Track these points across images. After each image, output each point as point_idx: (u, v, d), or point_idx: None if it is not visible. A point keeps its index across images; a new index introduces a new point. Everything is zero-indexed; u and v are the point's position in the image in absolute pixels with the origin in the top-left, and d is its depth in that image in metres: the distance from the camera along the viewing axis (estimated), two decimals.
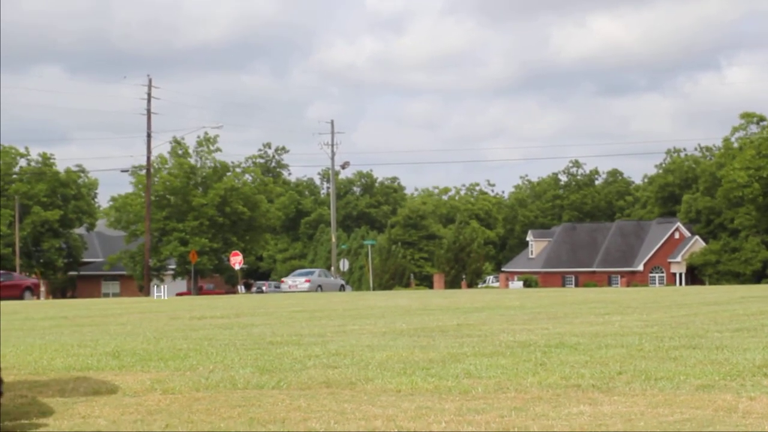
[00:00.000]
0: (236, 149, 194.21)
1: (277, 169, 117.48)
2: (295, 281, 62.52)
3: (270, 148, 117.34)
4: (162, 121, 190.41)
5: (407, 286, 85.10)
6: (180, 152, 79.73)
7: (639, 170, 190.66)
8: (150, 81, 66.85)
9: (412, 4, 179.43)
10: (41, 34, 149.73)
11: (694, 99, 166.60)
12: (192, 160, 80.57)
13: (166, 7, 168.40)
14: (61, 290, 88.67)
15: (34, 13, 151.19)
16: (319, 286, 62.20)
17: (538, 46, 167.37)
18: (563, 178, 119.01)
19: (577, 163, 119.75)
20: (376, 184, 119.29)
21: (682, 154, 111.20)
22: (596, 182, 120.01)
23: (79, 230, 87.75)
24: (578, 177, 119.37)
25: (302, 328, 15.65)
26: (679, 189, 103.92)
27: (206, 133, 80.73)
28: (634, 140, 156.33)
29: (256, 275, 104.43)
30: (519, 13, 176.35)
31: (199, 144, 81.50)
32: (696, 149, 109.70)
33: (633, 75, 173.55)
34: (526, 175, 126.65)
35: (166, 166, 78.99)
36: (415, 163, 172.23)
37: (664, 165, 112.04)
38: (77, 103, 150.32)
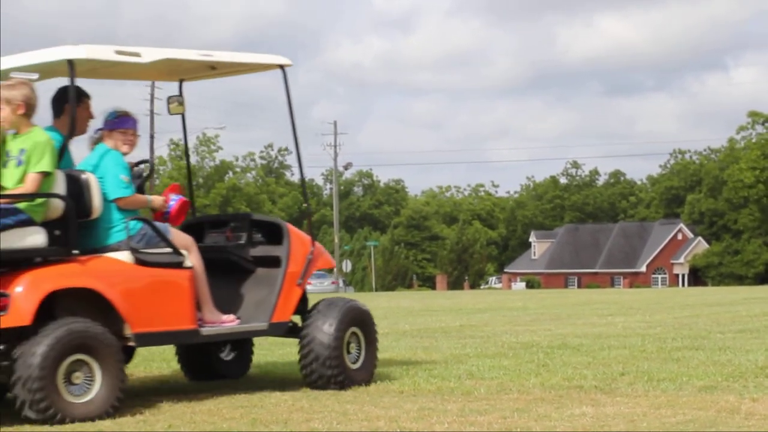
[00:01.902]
0: (240, 150, 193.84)
1: (280, 170, 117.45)
2: (323, 282, 63.81)
3: (272, 148, 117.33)
4: (167, 121, 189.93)
5: (410, 287, 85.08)
6: (177, 154, 79.83)
7: (646, 171, 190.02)
8: (153, 82, 66.88)
9: (419, 3, 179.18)
10: (47, 34, 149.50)
11: (701, 99, 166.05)
12: (193, 160, 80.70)
13: (173, 6, 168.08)
14: None
15: (40, 13, 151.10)
16: (338, 286, 64.22)
17: (545, 46, 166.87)
18: (563, 180, 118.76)
19: (575, 164, 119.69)
20: (381, 185, 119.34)
21: (687, 156, 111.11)
22: (598, 183, 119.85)
23: None
24: (577, 178, 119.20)
25: None
26: (683, 191, 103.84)
27: (204, 134, 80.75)
28: (640, 141, 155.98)
29: None
30: (526, 13, 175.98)
31: (200, 143, 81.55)
32: (705, 150, 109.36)
33: (640, 75, 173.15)
34: (533, 176, 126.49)
35: (165, 168, 78.99)
36: (421, 163, 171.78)
37: (668, 166, 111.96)
38: None
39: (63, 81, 7.79)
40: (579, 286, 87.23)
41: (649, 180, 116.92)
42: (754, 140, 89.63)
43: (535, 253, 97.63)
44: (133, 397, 7.68)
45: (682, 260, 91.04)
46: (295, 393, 7.76)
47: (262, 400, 7.40)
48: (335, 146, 77.61)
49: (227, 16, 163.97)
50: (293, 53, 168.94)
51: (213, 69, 8.54)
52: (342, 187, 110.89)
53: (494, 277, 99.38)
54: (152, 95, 66.16)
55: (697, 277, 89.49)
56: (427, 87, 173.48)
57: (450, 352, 10.90)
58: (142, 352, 11.36)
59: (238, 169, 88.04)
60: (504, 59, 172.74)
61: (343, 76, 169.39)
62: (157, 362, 10.42)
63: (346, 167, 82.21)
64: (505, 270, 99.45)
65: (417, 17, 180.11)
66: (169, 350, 10.07)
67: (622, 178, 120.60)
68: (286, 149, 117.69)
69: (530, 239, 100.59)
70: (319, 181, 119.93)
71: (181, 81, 8.81)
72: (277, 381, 8.47)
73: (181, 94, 8.67)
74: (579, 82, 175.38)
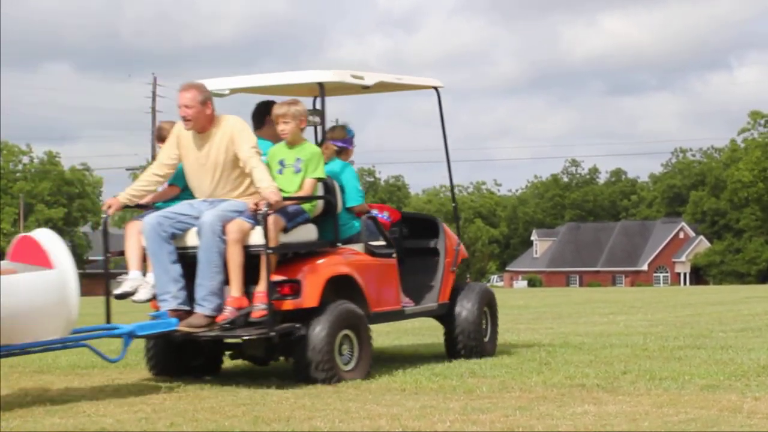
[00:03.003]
0: None
1: None
2: None
3: None
4: (171, 119, 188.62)
5: None
6: None
7: (649, 170, 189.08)
8: (155, 79, 66.71)
9: (423, 2, 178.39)
10: (51, 32, 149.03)
11: (704, 99, 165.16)
12: None
13: (176, 4, 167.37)
14: None
15: (43, 11, 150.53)
16: None
17: (549, 45, 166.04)
18: (564, 178, 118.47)
19: (574, 162, 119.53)
20: (381, 183, 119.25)
21: (689, 155, 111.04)
22: (599, 181, 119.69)
23: (84, 228, 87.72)
24: (577, 176, 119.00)
25: None
26: (685, 190, 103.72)
27: None
28: (643, 140, 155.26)
29: None
30: (531, 12, 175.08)
31: None
32: (709, 149, 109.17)
33: (643, 74, 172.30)
34: (540, 176, 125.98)
35: None
36: (423, 162, 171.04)
37: (670, 165, 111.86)
38: (86, 101, 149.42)
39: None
40: (580, 285, 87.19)
41: (651, 178, 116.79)
42: (759, 139, 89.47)
43: (536, 251, 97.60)
44: (135, 396, 7.69)
45: (683, 259, 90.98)
46: (297, 391, 7.76)
47: (264, 398, 7.41)
48: None
49: (231, 14, 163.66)
50: (297, 52, 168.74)
51: (366, 88, 9.63)
52: None
53: (496, 276, 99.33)
54: (154, 92, 66.17)
55: (699, 275, 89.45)
56: None
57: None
58: (144, 350, 11.35)
59: None
60: (507, 58, 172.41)
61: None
62: None
63: None
64: (507, 268, 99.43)
65: (420, 16, 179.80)
66: None
67: (623, 177, 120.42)
68: None
69: (532, 237, 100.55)
70: None
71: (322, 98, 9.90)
72: (279, 379, 8.46)
73: (316, 108, 9.70)
74: (582, 82, 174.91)
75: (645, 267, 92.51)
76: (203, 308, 8.06)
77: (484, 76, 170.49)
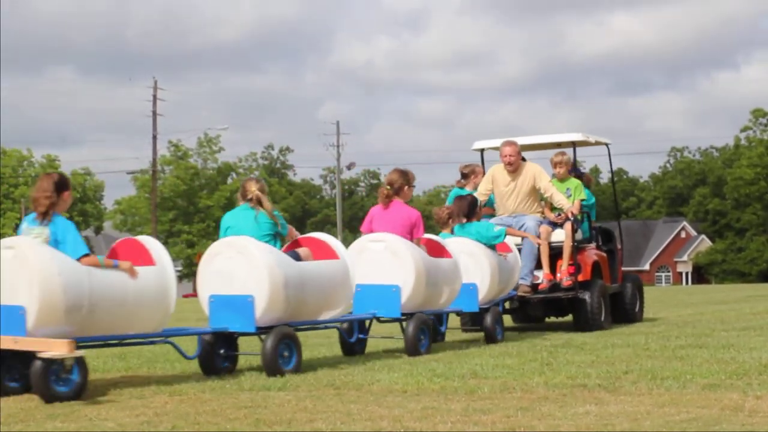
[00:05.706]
0: (242, 150, 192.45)
1: (282, 170, 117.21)
2: None
3: (273, 149, 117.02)
4: (174, 122, 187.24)
5: None
6: (179, 154, 79.93)
7: (653, 170, 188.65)
8: (155, 83, 66.63)
9: (429, 2, 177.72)
10: (52, 35, 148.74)
11: (710, 98, 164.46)
12: (193, 161, 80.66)
13: (183, 6, 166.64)
14: None
15: (45, 15, 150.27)
16: None
17: (556, 45, 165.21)
18: None
19: (576, 163, 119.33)
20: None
21: (686, 153, 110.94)
22: (601, 181, 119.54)
23: (86, 232, 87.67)
24: None
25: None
26: (686, 190, 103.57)
27: (206, 134, 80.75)
28: (648, 139, 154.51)
29: None
30: (537, 11, 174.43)
31: (200, 145, 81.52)
32: (708, 148, 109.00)
33: (649, 73, 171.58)
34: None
35: (169, 167, 79.03)
36: (428, 163, 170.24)
37: (669, 165, 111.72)
38: (87, 105, 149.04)
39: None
40: None
41: (652, 179, 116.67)
42: (759, 139, 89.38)
43: None
44: (137, 399, 7.69)
45: (685, 258, 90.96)
46: (299, 393, 7.76)
47: (265, 400, 7.40)
48: (338, 146, 77.57)
49: (234, 17, 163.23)
50: (302, 53, 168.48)
51: (589, 143, 15.28)
52: (346, 187, 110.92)
53: None
54: (155, 96, 66.13)
55: (701, 275, 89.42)
56: (437, 86, 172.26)
57: (453, 351, 10.89)
58: (145, 353, 11.36)
59: (241, 170, 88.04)
60: (513, 58, 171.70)
61: (351, 76, 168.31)
62: (160, 363, 10.42)
63: (349, 167, 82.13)
64: None
65: (426, 16, 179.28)
66: (172, 351, 10.06)
67: (624, 176, 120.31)
68: (287, 149, 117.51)
69: None
70: (322, 181, 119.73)
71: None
72: (280, 381, 8.46)
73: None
74: (587, 80, 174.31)
75: (647, 266, 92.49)
76: (526, 281, 12.92)
77: (489, 76, 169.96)
